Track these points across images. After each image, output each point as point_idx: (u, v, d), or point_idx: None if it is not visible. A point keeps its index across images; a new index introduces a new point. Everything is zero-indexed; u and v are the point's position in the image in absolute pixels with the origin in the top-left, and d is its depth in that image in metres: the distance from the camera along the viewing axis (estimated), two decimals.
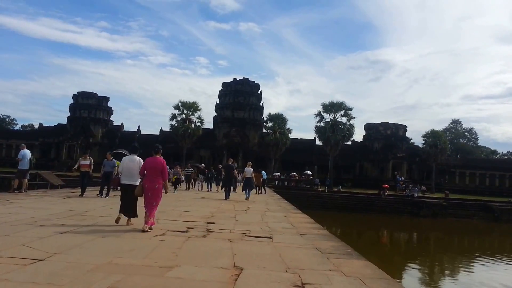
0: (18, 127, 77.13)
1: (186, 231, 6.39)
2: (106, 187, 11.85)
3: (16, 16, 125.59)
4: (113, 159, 12.03)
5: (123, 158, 7.08)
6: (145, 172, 6.17)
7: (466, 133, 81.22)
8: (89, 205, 9.44)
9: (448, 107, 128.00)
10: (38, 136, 50.66)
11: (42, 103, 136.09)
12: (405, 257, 16.21)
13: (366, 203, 32.37)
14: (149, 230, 5.96)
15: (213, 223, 7.60)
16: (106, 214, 7.94)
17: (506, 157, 75.37)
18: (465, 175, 50.80)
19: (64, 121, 53.37)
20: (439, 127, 73.11)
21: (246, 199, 14.55)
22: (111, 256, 4.32)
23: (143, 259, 4.28)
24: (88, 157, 11.71)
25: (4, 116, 79.39)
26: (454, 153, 67.16)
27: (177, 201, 12.04)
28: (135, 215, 6.52)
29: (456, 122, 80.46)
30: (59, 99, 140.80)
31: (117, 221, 6.43)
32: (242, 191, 15.82)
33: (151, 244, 5.12)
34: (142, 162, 6.54)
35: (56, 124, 54.20)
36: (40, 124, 55.33)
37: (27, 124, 78.75)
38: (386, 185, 35.53)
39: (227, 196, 14.45)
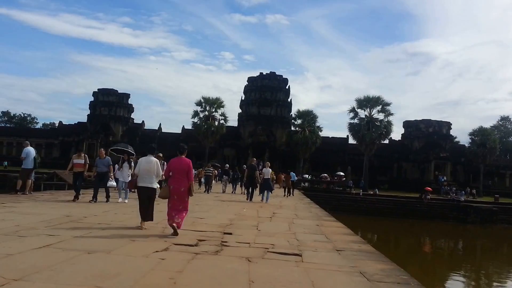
0: (39, 126, 75.94)
1: (196, 245, 5.30)
2: (105, 191, 10.49)
3: (37, 12, 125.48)
4: (107, 157, 10.71)
5: (140, 159, 6.50)
6: (170, 173, 5.92)
7: None
8: (90, 210, 8.51)
9: (495, 103, 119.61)
10: (58, 135, 50.99)
11: (65, 101, 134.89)
12: (450, 268, 15.01)
13: (406, 208, 30.25)
14: (175, 236, 5.76)
15: (230, 233, 6.47)
16: (106, 221, 6.98)
17: None
18: None
19: (86, 119, 51.98)
20: (486, 124, 66.95)
21: (262, 200, 13.84)
22: (87, 283, 3.34)
23: None
24: (83, 155, 10.58)
25: (26, 115, 79.38)
26: (502, 153, 61.88)
27: (193, 206, 10.88)
28: (151, 219, 6.33)
29: (505, 119, 74.04)
30: (82, 97, 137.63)
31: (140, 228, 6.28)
32: (259, 193, 14.56)
33: (146, 265, 4.09)
34: (159, 163, 6.43)
35: (76, 122, 53.86)
36: (60, 123, 54.95)
37: (48, 123, 76.96)
38: (429, 188, 32.94)
39: (250, 198, 13.94)
